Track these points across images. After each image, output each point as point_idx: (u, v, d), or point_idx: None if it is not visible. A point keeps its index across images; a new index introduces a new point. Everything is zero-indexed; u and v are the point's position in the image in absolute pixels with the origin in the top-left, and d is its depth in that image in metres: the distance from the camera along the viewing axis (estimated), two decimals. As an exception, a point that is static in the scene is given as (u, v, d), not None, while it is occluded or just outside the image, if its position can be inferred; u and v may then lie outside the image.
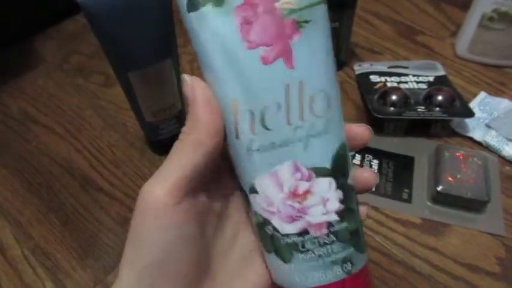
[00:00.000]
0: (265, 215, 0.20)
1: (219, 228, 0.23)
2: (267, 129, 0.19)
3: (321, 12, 0.19)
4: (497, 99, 0.52)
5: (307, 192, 0.20)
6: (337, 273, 0.20)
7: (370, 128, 0.22)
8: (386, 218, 0.43)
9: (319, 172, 0.19)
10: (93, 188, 0.47)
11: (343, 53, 0.56)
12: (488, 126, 0.49)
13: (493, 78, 0.55)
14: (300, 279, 0.21)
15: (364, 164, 0.47)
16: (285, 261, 0.21)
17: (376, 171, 0.46)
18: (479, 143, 0.48)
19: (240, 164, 0.20)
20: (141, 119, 0.45)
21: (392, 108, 0.49)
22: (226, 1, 0.18)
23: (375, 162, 0.47)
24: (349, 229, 0.20)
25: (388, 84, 0.52)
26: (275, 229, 0.20)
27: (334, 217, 0.20)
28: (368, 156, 0.48)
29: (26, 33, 0.66)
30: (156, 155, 0.49)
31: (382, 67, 0.55)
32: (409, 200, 0.44)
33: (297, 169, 0.19)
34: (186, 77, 0.20)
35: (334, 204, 0.20)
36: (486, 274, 0.39)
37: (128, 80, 0.40)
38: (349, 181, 0.21)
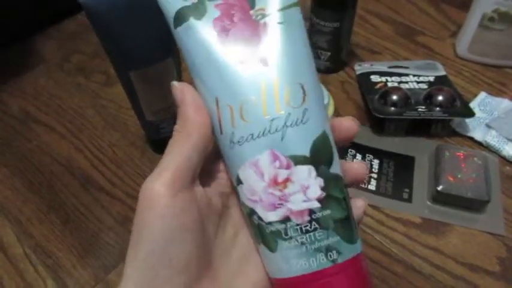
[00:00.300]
0: (250, 204, 0.21)
1: (220, 226, 0.24)
2: (245, 121, 0.20)
3: (293, 14, 0.21)
4: (498, 99, 0.52)
5: (287, 180, 0.20)
6: (321, 261, 0.20)
7: (356, 120, 0.23)
8: (386, 218, 0.43)
9: (298, 160, 0.20)
10: (94, 187, 0.47)
11: (343, 53, 0.57)
12: (488, 126, 0.49)
13: (493, 78, 0.56)
14: (285, 268, 0.21)
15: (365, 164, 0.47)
16: (271, 250, 0.21)
17: (376, 170, 0.46)
18: (479, 143, 0.48)
19: (226, 158, 0.22)
20: (142, 118, 0.45)
21: (393, 108, 0.49)
22: (206, 15, 0.20)
23: (376, 162, 0.47)
24: (333, 217, 0.21)
25: (389, 84, 0.52)
26: (260, 218, 0.21)
27: (316, 204, 0.20)
28: (369, 156, 0.48)
29: (27, 32, 0.66)
30: (157, 154, 0.49)
31: (383, 67, 0.55)
32: (409, 200, 0.44)
33: (275, 157, 0.20)
34: (175, 83, 0.22)
35: (315, 192, 0.20)
36: (486, 274, 0.39)
37: (129, 80, 0.40)
38: (333, 170, 0.21)
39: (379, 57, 0.60)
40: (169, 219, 0.20)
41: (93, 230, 0.43)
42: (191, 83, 0.22)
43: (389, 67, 0.55)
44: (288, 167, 0.20)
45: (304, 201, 0.20)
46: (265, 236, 0.21)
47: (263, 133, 0.20)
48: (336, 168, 0.21)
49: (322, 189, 0.20)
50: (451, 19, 0.65)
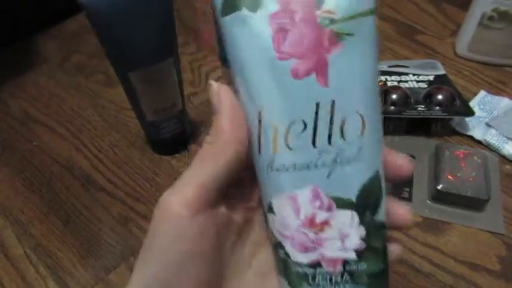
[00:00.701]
0: (280, 238, 0.19)
1: (238, 243, 0.22)
2: (290, 148, 0.18)
3: (367, 25, 0.17)
4: (497, 98, 0.52)
5: (325, 223, 0.18)
6: None
7: (411, 160, 0.21)
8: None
9: (342, 203, 0.18)
10: (94, 188, 0.47)
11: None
12: (488, 125, 0.49)
13: (493, 77, 0.56)
14: None
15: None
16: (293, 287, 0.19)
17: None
18: (479, 142, 0.48)
19: (260, 180, 0.19)
20: (142, 119, 0.45)
21: (392, 107, 0.49)
22: (262, 7, 0.17)
23: (375, 161, 0.47)
24: (368, 272, 0.18)
25: (389, 84, 0.52)
26: (287, 254, 0.19)
27: (352, 255, 0.18)
28: (368, 155, 0.48)
29: (27, 33, 0.67)
30: (157, 154, 0.49)
31: (383, 66, 0.55)
32: (409, 199, 0.44)
33: (316, 196, 0.18)
34: (213, 84, 0.19)
35: (354, 242, 0.18)
36: (486, 272, 0.39)
37: (129, 80, 0.40)
38: (378, 217, 0.18)
39: (379, 57, 0.59)
40: (184, 243, 0.18)
41: (93, 230, 0.43)
42: (196, 82, 0.20)
43: (389, 66, 0.55)
44: (329, 209, 0.18)
45: (340, 249, 0.18)
46: (289, 274, 0.19)
47: (308, 166, 0.18)
48: (381, 214, 0.19)
49: (363, 239, 0.18)
50: (451, 18, 0.65)
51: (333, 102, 0.17)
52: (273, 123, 0.17)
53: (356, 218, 0.18)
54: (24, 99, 0.58)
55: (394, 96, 0.49)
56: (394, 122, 0.49)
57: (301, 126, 0.17)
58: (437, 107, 0.48)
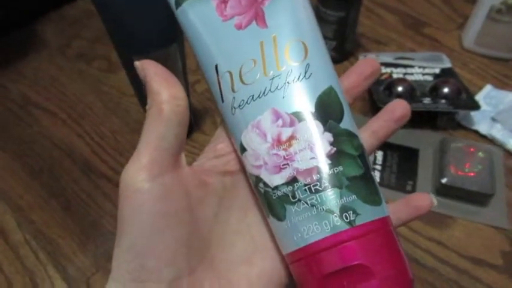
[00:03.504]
0: (255, 171, 0.20)
1: (221, 209, 0.22)
2: (245, 84, 0.20)
3: None
4: (504, 93, 0.52)
5: (292, 137, 0.19)
6: (335, 224, 0.18)
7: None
8: (390, 210, 0.43)
9: (302, 116, 0.19)
10: (95, 174, 0.46)
11: (349, 43, 0.56)
12: (493, 119, 0.49)
13: (499, 71, 0.55)
14: (296, 237, 0.19)
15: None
16: (280, 219, 0.19)
17: (380, 161, 0.46)
18: (484, 137, 0.48)
19: (230, 127, 0.21)
20: (144, 105, 0.44)
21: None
22: None
23: (380, 154, 0.47)
24: (346, 174, 0.19)
25: (394, 76, 0.52)
26: (265, 184, 0.20)
27: (325, 161, 0.19)
28: (372, 148, 0.47)
29: (28, 18, 0.65)
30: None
31: (388, 58, 0.54)
32: (413, 192, 0.44)
33: (277, 116, 0.19)
34: (136, 62, 0.20)
35: (324, 147, 0.19)
36: (489, 267, 0.38)
37: (133, 65, 0.39)
38: (345, 126, 0.20)
39: (384, 48, 0.59)
40: (150, 206, 0.19)
41: (94, 217, 0.43)
42: (199, 71, 0.22)
43: (395, 58, 0.54)
44: (291, 124, 0.19)
45: (312, 158, 0.19)
46: (272, 203, 0.20)
47: (264, 93, 0.19)
48: (347, 124, 0.20)
49: (332, 144, 0.19)
50: (458, 11, 0.64)
51: (274, 37, 0.20)
52: (228, 69, 0.20)
53: (320, 127, 0.19)
54: (24, 85, 0.57)
55: (399, 89, 0.49)
56: (399, 114, 0.49)
57: (252, 63, 0.20)
58: (443, 100, 0.48)
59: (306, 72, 0.19)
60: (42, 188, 0.46)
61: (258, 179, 0.20)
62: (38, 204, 0.44)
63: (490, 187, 0.42)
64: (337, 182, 0.19)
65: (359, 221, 0.18)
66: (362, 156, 0.20)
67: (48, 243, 0.41)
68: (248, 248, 0.22)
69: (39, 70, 0.58)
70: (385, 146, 0.47)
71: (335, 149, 0.19)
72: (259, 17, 0.20)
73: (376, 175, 0.45)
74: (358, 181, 0.19)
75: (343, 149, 0.19)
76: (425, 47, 0.59)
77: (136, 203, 0.19)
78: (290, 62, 0.20)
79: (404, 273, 0.18)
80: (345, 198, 0.18)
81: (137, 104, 0.46)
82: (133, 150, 0.51)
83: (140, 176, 0.19)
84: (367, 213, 0.19)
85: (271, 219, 0.20)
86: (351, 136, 0.20)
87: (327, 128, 0.19)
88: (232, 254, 0.21)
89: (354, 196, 0.18)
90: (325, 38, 0.54)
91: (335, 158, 0.19)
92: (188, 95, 0.46)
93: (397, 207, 0.22)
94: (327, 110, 0.19)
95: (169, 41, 0.39)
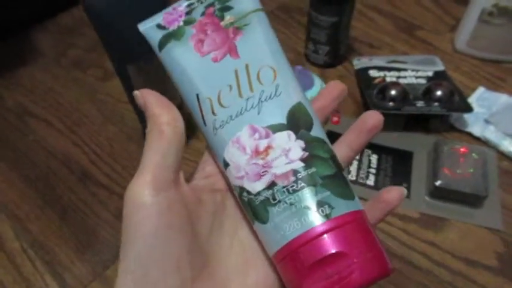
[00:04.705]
0: (238, 182, 0.22)
1: (215, 224, 0.23)
2: (224, 107, 0.22)
3: (257, 15, 0.24)
4: (496, 94, 0.52)
5: (268, 147, 0.21)
6: (313, 218, 0.20)
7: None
8: (385, 213, 0.43)
9: (276, 128, 0.22)
10: (92, 182, 0.47)
11: (342, 47, 0.56)
12: (486, 121, 0.49)
13: (492, 73, 0.56)
14: (279, 236, 0.21)
15: (363, 159, 0.47)
16: (264, 222, 0.21)
17: (375, 165, 0.46)
18: (477, 138, 0.49)
19: (212, 147, 0.23)
20: (139, 112, 0.45)
21: (391, 103, 0.49)
22: (184, 35, 0.24)
23: (374, 157, 0.47)
24: (319, 174, 0.21)
25: (387, 79, 0.52)
26: (248, 192, 0.22)
27: (299, 164, 0.21)
28: (367, 151, 0.48)
29: (23, 26, 0.66)
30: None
31: (381, 62, 0.55)
32: (407, 195, 0.44)
33: (254, 130, 0.22)
34: (135, 92, 0.22)
35: (297, 152, 0.21)
36: (484, 268, 0.39)
37: (127, 73, 0.40)
38: (314, 133, 0.22)
39: (377, 52, 0.59)
40: (154, 219, 0.20)
41: (91, 225, 0.43)
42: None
43: (388, 62, 0.55)
44: (267, 136, 0.22)
45: (287, 163, 0.21)
46: (255, 208, 0.21)
47: (241, 112, 0.22)
48: (317, 132, 0.22)
49: (304, 149, 0.21)
50: (450, 14, 0.65)
51: (247, 65, 0.23)
52: (207, 96, 0.23)
53: (292, 135, 0.22)
54: (20, 93, 0.57)
55: (393, 92, 0.49)
56: (392, 118, 0.49)
57: (228, 88, 0.22)
58: (436, 103, 0.48)
59: (276, 91, 0.22)
60: (39, 197, 0.46)
61: (242, 189, 0.22)
62: (34, 213, 0.44)
63: (484, 189, 0.42)
64: (312, 181, 0.21)
65: (334, 214, 0.20)
66: (333, 158, 0.22)
67: (45, 252, 0.41)
68: (241, 260, 0.23)
69: (35, 79, 0.59)
70: (380, 149, 0.48)
71: (307, 153, 0.21)
72: (232, 50, 0.23)
73: (371, 179, 0.45)
74: (331, 179, 0.21)
75: (315, 153, 0.21)
76: (418, 50, 0.60)
77: (141, 216, 0.20)
78: (262, 85, 0.22)
79: (382, 258, 0.20)
80: (319, 195, 0.20)
81: (132, 111, 0.46)
82: (129, 157, 0.51)
83: (145, 191, 0.20)
84: (341, 207, 0.20)
85: (257, 225, 0.22)
86: (321, 142, 0.22)
87: (299, 136, 0.22)
88: (228, 265, 0.23)
89: (328, 192, 0.21)
90: (319, 43, 0.55)
91: (308, 161, 0.21)
92: (182, 101, 0.46)
93: (370, 206, 0.23)
94: (298, 121, 0.22)
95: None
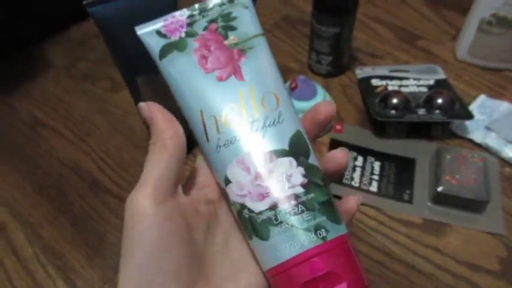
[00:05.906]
0: (240, 200, 0.23)
1: (209, 233, 0.24)
2: (229, 126, 0.23)
3: (260, 40, 0.25)
4: (497, 102, 0.53)
5: (272, 171, 0.23)
6: (312, 239, 0.22)
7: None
8: (388, 218, 0.44)
9: (279, 153, 0.23)
10: (102, 190, 0.48)
11: (344, 57, 0.58)
12: (488, 128, 0.50)
13: (492, 81, 0.56)
14: (279, 253, 0.22)
15: (366, 166, 0.48)
16: (264, 239, 0.23)
17: (378, 172, 0.47)
18: (479, 145, 0.49)
19: (213, 162, 0.24)
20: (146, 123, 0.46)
21: (393, 111, 0.50)
22: (187, 47, 0.24)
23: (377, 164, 0.48)
24: (317, 200, 0.23)
25: (389, 88, 0.53)
26: (250, 210, 0.23)
27: (300, 189, 0.23)
28: (370, 158, 0.49)
29: (35, 40, 0.68)
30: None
31: (384, 71, 0.56)
32: (410, 201, 0.45)
33: (259, 154, 0.23)
34: (141, 104, 0.23)
35: (298, 178, 0.23)
36: (486, 273, 0.39)
37: (136, 85, 0.41)
38: (311, 161, 0.23)
39: (380, 62, 0.61)
40: (156, 228, 0.21)
41: (101, 231, 0.44)
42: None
43: (390, 71, 0.56)
44: (271, 160, 0.23)
45: (289, 187, 0.23)
46: (256, 226, 0.23)
47: (246, 134, 0.23)
48: (313, 160, 0.24)
49: (304, 176, 0.23)
50: (451, 23, 0.66)
51: (251, 88, 0.24)
52: (212, 114, 0.23)
53: (294, 162, 0.23)
54: (32, 105, 0.59)
55: (394, 101, 0.50)
56: (395, 125, 0.50)
57: (233, 109, 0.23)
58: (438, 111, 0.49)
59: (279, 118, 0.24)
60: (51, 205, 0.47)
61: (243, 206, 0.23)
62: (46, 220, 0.46)
63: (485, 194, 0.43)
64: (311, 206, 0.22)
65: (329, 237, 0.22)
66: (326, 185, 0.24)
67: (57, 258, 0.43)
68: (232, 268, 0.24)
69: (47, 91, 0.61)
70: (383, 156, 0.49)
71: (307, 179, 0.23)
72: (237, 72, 0.24)
73: (374, 185, 0.46)
74: (325, 205, 0.23)
75: (313, 179, 0.23)
76: (419, 59, 0.61)
77: (143, 225, 0.21)
78: (266, 110, 0.24)
79: (362, 278, 0.22)
80: (317, 219, 0.22)
81: (140, 122, 0.47)
82: (138, 166, 0.53)
83: (147, 201, 0.21)
84: (334, 230, 0.22)
85: (255, 240, 0.23)
86: (317, 169, 0.24)
87: (299, 163, 0.23)
88: (221, 272, 0.24)
89: (324, 217, 0.23)
90: (322, 53, 0.56)
91: (307, 187, 0.23)
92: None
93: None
94: (298, 149, 0.23)
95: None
